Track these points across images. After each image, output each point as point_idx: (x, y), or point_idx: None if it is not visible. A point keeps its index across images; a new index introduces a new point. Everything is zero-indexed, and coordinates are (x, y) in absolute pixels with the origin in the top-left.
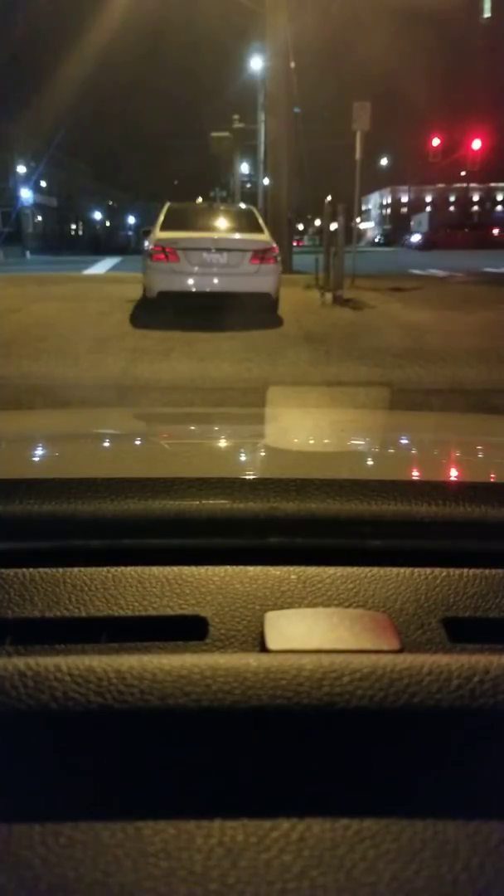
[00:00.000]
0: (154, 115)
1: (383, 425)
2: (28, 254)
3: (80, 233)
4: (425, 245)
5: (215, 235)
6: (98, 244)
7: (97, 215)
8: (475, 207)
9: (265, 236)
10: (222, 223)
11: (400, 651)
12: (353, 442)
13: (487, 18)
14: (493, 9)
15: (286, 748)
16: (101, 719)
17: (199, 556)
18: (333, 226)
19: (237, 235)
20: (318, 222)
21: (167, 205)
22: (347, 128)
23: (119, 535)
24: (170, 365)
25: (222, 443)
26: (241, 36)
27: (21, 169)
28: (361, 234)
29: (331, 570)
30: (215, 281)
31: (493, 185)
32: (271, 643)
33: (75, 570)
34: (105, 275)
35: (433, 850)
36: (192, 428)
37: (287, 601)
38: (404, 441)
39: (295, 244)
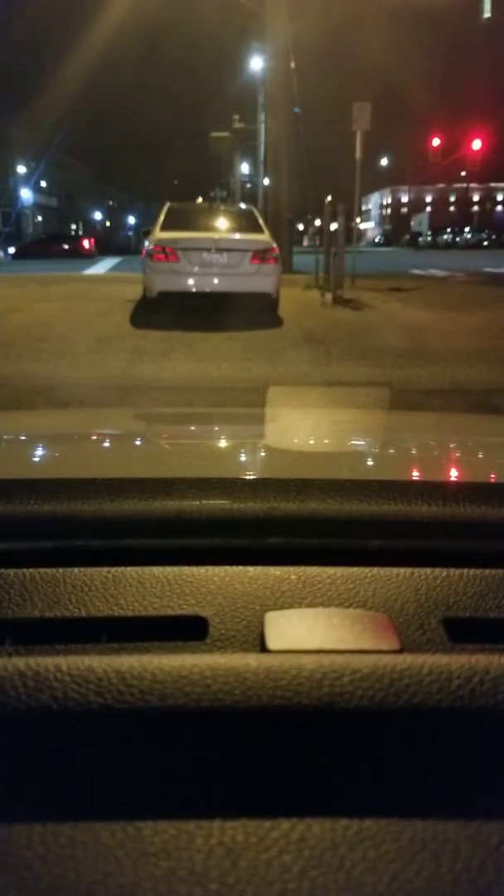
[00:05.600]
0: (154, 115)
1: (383, 425)
2: None
3: (81, 233)
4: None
5: (215, 235)
6: (98, 244)
7: (97, 215)
8: (475, 207)
9: (265, 236)
10: (222, 223)
11: (400, 651)
12: (353, 442)
13: (487, 18)
14: (493, 9)
15: (286, 748)
16: (101, 719)
17: (199, 556)
18: (333, 226)
19: (237, 235)
20: (318, 222)
21: (167, 205)
22: (347, 128)
23: (119, 535)
24: (170, 365)
25: (222, 443)
26: (241, 36)
27: (21, 169)
28: (361, 234)
29: (331, 570)
30: (215, 281)
31: (493, 185)
32: (271, 643)
33: (75, 570)
34: (105, 275)
35: (433, 850)
36: (192, 428)
37: (287, 601)
38: (404, 441)
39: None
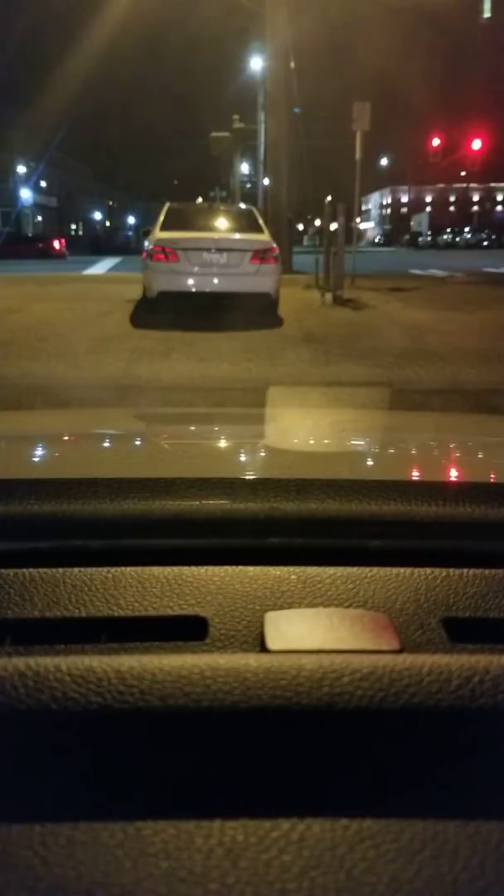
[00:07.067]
0: (154, 115)
1: (383, 425)
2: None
3: (81, 233)
4: None
5: (215, 235)
6: (98, 244)
7: (97, 215)
8: (475, 207)
9: (265, 236)
10: (222, 223)
11: (400, 651)
12: (353, 442)
13: (487, 18)
14: (493, 9)
15: (286, 748)
16: (101, 719)
17: (199, 556)
18: (333, 226)
19: (237, 235)
20: (318, 222)
21: (167, 205)
22: (347, 128)
23: (119, 535)
24: (170, 365)
25: (222, 443)
26: (241, 36)
27: (21, 169)
28: (361, 234)
29: (331, 570)
30: (215, 281)
31: (493, 185)
32: (271, 643)
33: (75, 570)
34: (105, 275)
35: (433, 850)
36: (192, 428)
37: (287, 601)
38: (404, 441)
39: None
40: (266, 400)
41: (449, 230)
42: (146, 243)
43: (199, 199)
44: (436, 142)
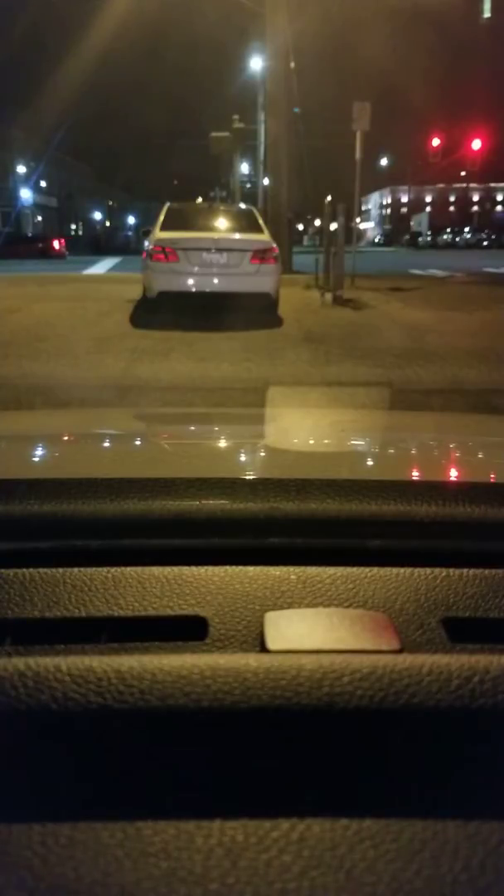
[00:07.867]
0: (154, 115)
1: (383, 425)
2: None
3: (81, 233)
4: None
5: (215, 235)
6: (98, 244)
7: (97, 215)
8: (475, 207)
9: (265, 236)
10: (222, 223)
11: (400, 651)
12: (353, 442)
13: (487, 18)
14: (493, 9)
15: (286, 748)
16: (100, 719)
17: (199, 556)
18: (333, 226)
19: (237, 235)
20: (318, 222)
21: (167, 205)
22: (347, 128)
23: (119, 535)
24: (170, 365)
25: (222, 443)
26: (242, 36)
27: (21, 169)
28: (361, 234)
29: (331, 570)
30: (215, 281)
31: (492, 185)
32: (271, 643)
33: (75, 570)
34: (105, 275)
35: (433, 850)
36: (192, 428)
37: (287, 601)
38: (404, 441)
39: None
40: (266, 400)
41: (449, 230)
42: (146, 243)
43: (199, 199)
44: (436, 142)
